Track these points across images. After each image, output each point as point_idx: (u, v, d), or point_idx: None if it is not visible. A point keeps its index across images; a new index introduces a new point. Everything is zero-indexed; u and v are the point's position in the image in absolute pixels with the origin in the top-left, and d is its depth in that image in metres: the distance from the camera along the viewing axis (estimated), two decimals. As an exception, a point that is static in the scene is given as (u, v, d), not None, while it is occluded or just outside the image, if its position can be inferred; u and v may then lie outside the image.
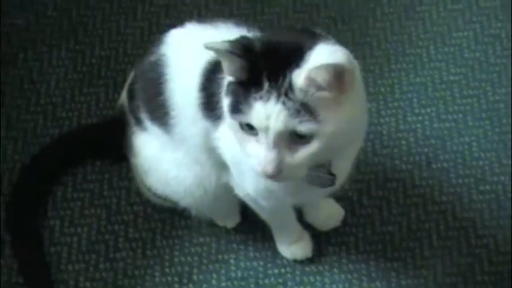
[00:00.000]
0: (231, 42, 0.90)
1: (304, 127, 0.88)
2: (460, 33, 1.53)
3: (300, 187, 1.03)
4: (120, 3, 1.57)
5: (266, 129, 0.89)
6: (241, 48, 0.89)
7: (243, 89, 0.90)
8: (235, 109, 0.91)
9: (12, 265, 1.32)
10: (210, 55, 1.00)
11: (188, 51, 1.05)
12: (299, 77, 0.87)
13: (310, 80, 0.87)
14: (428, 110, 1.46)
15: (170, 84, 1.06)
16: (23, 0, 1.57)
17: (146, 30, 1.55)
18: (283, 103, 0.88)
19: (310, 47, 0.89)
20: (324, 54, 0.88)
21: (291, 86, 0.88)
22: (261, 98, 0.88)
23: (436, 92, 1.48)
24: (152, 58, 1.09)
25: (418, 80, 1.49)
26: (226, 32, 1.02)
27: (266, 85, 0.88)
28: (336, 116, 0.89)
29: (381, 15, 1.56)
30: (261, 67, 0.89)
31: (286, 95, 0.88)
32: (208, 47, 0.90)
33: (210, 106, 1.03)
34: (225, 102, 0.93)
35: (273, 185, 1.01)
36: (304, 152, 0.90)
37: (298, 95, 0.88)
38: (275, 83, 0.88)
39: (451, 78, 1.49)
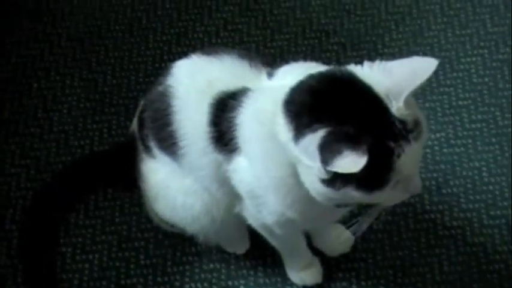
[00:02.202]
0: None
1: (426, 137, 0.93)
2: (469, 58, 1.54)
3: (329, 212, 1.06)
4: (131, 32, 1.60)
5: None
6: (367, 147, 0.88)
7: (372, 162, 0.88)
8: (375, 183, 0.91)
9: (24, 292, 1.34)
10: (215, 90, 1.02)
11: (194, 84, 1.06)
12: (399, 108, 0.91)
13: (405, 103, 0.91)
14: (438, 135, 1.46)
15: (178, 116, 1.07)
16: (37, 30, 1.60)
17: (158, 58, 1.57)
18: (415, 138, 0.91)
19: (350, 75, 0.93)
20: (380, 74, 0.93)
21: (404, 124, 0.91)
22: (403, 150, 0.90)
23: (445, 117, 1.48)
24: (160, 88, 1.10)
25: (427, 105, 1.49)
26: (230, 64, 1.04)
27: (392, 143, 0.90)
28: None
29: (390, 41, 1.57)
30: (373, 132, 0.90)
31: (406, 129, 0.91)
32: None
33: (222, 140, 1.03)
34: (350, 191, 0.92)
35: (297, 214, 1.03)
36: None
37: (408, 119, 0.91)
38: (393, 128, 0.90)
39: (460, 103, 1.50)
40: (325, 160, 0.87)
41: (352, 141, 0.87)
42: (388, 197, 0.94)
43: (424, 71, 0.91)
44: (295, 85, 0.95)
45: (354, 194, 0.92)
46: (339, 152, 0.86)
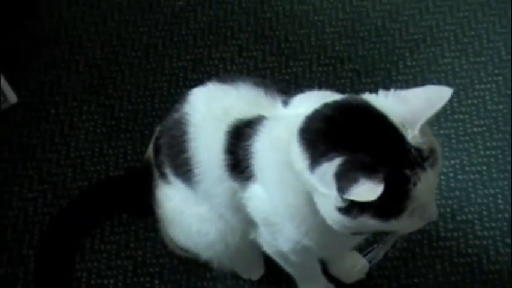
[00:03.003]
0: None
1: (441, 165, 0.94)
2: (483, 85, 1.54)
3: (345, 240, 1.06)
4: (148, 58, 1.62)
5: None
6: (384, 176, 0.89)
7: (388, 190, 0.88)
8: (391, 212, 0.91)
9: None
10: (231, 118, 1.03)
11: (210, 111, 1.07)
12: (415, 136, 0.91)
13: (421, 131, 0.91)
14: (453, 162, 1.46)
15: (194, 143, 1.08)
16: (55, 56, 1.63)
17: (174, 84, 1.59)
18: (431, 166, 0.92)
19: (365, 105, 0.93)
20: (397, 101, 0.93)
21: (420, 151, 0.91)
22: (419, 178, 0.91)
23: (459, 144, 1.48)
24: (176, 116, 1.11)
25: (441, 132, 1.50)
26: (246, 92, 1.05)
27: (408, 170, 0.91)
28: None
29: (404, 68, 1.58)
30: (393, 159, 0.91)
31: (421, 157, 0.91)
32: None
33: (237, 168, 1.04)
34: (367, 220, 0.92)
35: (313, 242, 1.04)
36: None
37: (423, 147, 0.91)
38: (409, 156, 0.91)
39: (475, 130, 1.50)
40: (342, 188, 0.88)
41: (368, 170, 0.88)
42: (404, 225, 0.94)
43: (439, 100, 0.92)
44: (310, 114, 0.96)
45: (370, 223, 0.92)
46: (355, 181, 0.87)
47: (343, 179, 0.88)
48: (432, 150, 0.93)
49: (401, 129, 0.92)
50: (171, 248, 1.34)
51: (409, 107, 0.92)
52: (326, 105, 0.96)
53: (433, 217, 0.96)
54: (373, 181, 0.86)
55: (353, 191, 0.87)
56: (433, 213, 0.96)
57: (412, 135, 0.91)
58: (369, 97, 0.96)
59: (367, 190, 0.86)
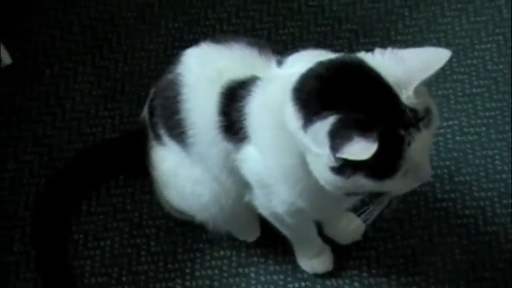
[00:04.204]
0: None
1: (436, 124, 0.92)
2: (483, 45, 1.52)
3: (339, 201, 1.05)
4: (143, 19, 1.60)
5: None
6: (377, 132, 0.87)
7: (382, 150, 0.87)
8: (385, 171, 0.90)
9: (37, 279, 1.34)
10: (224, 79, 1.02)
11: (203, 72, 1.06)
12: (409, 97, 0.90)
13: (416, 91, 0.90)
14: (451, 123, 1.45)
15: (187, 105, 1.07)
16: (49, 17, 1.61)
17: (170, 45, 1.57)
18: (425, 126, 0.91)
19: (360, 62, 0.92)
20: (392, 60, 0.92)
21: (414, 112, 0.90)
22: (413, 138, 0.90)
23: (458, 104, 1.47)
24: (170, 76, 1.10)
25: (440, 92, 1.48)
26: (240, 53, 1.03)
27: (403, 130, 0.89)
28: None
29: (403, 28, 1.55)
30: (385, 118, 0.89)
31: (416, 117, 0.90)
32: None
33: (231, 129, 1.03)
34: (360, 179, 0.91)
35: (307, 204, 1.03)
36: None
37: (418, 107, 0.90)
38: (403, 116, 0.90)
39: (474, 90, 1.48)
40: (335, 147, 0.87)
41: (363, 128, 0.86)
42: (397, 185, 0.93)
43: (437, 62, 0.91)
44: (304, 72, 0.95)
45: (363, 182, 0.91)
46: (349, 139, 0.86)
47: (337, 138, 0.87)
48: (427, 111, 0.92)
49: (396, 89, 0.90)
50: (167, 209, 1.34)
51: (405, 67, 0.91)
52: (320, 64, 0.94)
53: (427, 177, 0.95)
54: (367, 139, 0.85)
55: (347, 150, 0.86)
56: (427, 173, 0.95)
57: (406, 95, 0.90)
58: (365, 56, 0.95)
59: (361, 148, 0.85)
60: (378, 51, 0.94)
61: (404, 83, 0.90)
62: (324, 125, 0.88)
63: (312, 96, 0.92)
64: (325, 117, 0.88)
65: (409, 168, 0.92)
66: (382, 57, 0.93)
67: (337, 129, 0.87)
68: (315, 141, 0.89)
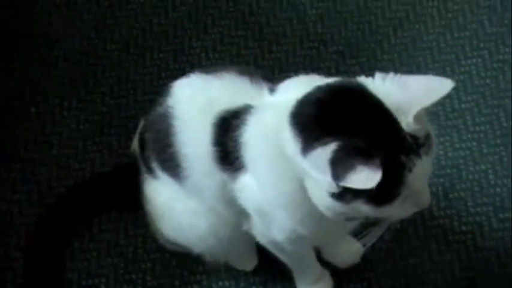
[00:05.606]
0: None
1: (435, 151, 0.93)
2: (469, 60, 1.53)
3: (340, 226, 1.04)
4: (128, 51, 1.59)
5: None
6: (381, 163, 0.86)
7: (383, 176, 0.86)
8: (385, 198, 0.90)
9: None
10: (217, 109, 1.01)
11: (194, 103, 1.05)
12: (409, 123, 0.89)
13: (416, 118, 0.90)
14: (442, 139, 1.45)
15: (179, 137, 1.06)
16: (33, 54, 1.59)
17: (155, 76, 1.56)
18: (426, 153, 0.90)
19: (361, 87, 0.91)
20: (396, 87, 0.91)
21: (415, 138, 0.89)
22: (414, 164, 0.89)
23: (448, 121, 1.47)
24: (160, 109, 1.09)
25: (429, 110, 1.48)
26: (230, 82, 1.02)
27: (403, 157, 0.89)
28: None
29: (388, 47, 1.56)
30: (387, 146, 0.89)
31: (417, 144, 0.89)
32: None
33: (227, 160, 1.02)
34: (360, 205, 0.90)
35: (308, 230, 1.02)
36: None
37: (418, 134, 0.90)
38: (404, 142, 0.89)
39: (463, 106, 1.48)
40: (337, 175, 0.86)
41: (365, 156, 0.86)
42: (397, 211, 0.93)
43: (439, 90, 0.90)
44: (302, 97, 0.94)
45: (363, 208, 0.90)
46: (352, 167, 0.85)
47: (340, 166, 0.86)
48: (427, 137, 0.91)
49: (396, 115, 0.90)
50: (162, 242, 1.32)
51: (407, 93, 0.90)
52: (319, 89, 0.93)
53: (426, 203, 0.94)
54: (371, 168, 0.84)
55: (350, 178, 0.85)
56: (426, 199, 0.94)
57: (406, 122, 0.89)
58: (365, 80, 0.94)
59: (365, 177, 0.84)
60: (378, 75, 0.93)
61: (405, 109, 0.90)
62: (325, 152, 0.87)
63: (311, 121, 0.91)
64: (326, 143, 0.87)
65: (409, 195, 0.91)
66: (383, 82, 0.92)
67: (339, 156, 0.86)
68: (316, 168, 0.88)
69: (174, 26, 1.61)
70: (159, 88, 1.49)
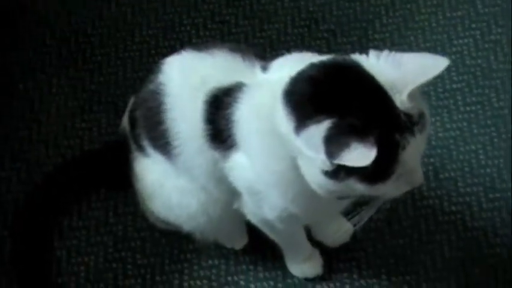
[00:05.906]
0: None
1: (429, 130, 0.92)
2: (461, 40, 1.52)
3: (331, 205, 1.04)
4: (117, 28, 1.57)
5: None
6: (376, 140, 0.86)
7: (377, 154, 0.85)
8: (379, 176, 0.89)
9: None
10: (208, 86, 1.00)
11: (186, 81, 1.04)
12: (403, 101, 0.88)
13: (410, 96, 0.89)
14: (433, 119, 1.44)
15: (171, 115, 1.05)
16: (20, 31, 1.57)
17: (145, 53, 1.54)
18: (420, 131, 0.89)
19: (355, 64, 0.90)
20: (389, 64, 0.90)
21: (409, 116, 0.89)
22: (408, 143, 0.88)
23: (439, 101, 1.46)
24: (151, 86, 1.08)
25: (420, 89, 1.47)
26: (222, 59, 1.01)
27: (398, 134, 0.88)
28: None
29: (380, 27, 1.55)
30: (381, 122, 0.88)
31: (411, 122, 0.89)
32: None
33: (218, 138, 1.01)
34: (353, 183, 0.90)
35: (299, 209, 1.02)
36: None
37: (412, 112, 0.89)
38: (398, 120, 0.88)
39: (454, 86, 1.48)
40: (332, 153, 0.85)
41: (359, 134, 0.85)
42: (390, 189, 0.92)
43: (434, 69, 0.90)
44: (296, 75, 0.93)
45: (356, 186, 0.90)
46: (347, 145, 0.84)
47: (334, 143, 0.85)
48: (421, 115, 0.91)
49: (390, 92, 0.89)
50: (152, 221, 1.31)
51: (401, 71, 0.90)
52: (312, 66, 0.92)
53: (419, 182, 0.94)
54: (366, 146, 0.84)
55: (345, 156, 0.84)
56: (420, 178, 0.94)
57: (400, 100, 0.89)
58: (359, 58, 0.93)
59: (360, 155, 0.83)
60: (372, 53, 0.93)
61: (399, 87, 0.89)
62: (319, 130, 0.86)
63: (305, 99, 0.90)
64: (320, 121, 0.86)
65: (402, 173, 0.91)
66: (377, 60, 0.91)
67: (333, 134, 0.86)
68: (309, 145, 0.87)
69: (164, 2, 1.59)
70: (148, 65, 1.49)
